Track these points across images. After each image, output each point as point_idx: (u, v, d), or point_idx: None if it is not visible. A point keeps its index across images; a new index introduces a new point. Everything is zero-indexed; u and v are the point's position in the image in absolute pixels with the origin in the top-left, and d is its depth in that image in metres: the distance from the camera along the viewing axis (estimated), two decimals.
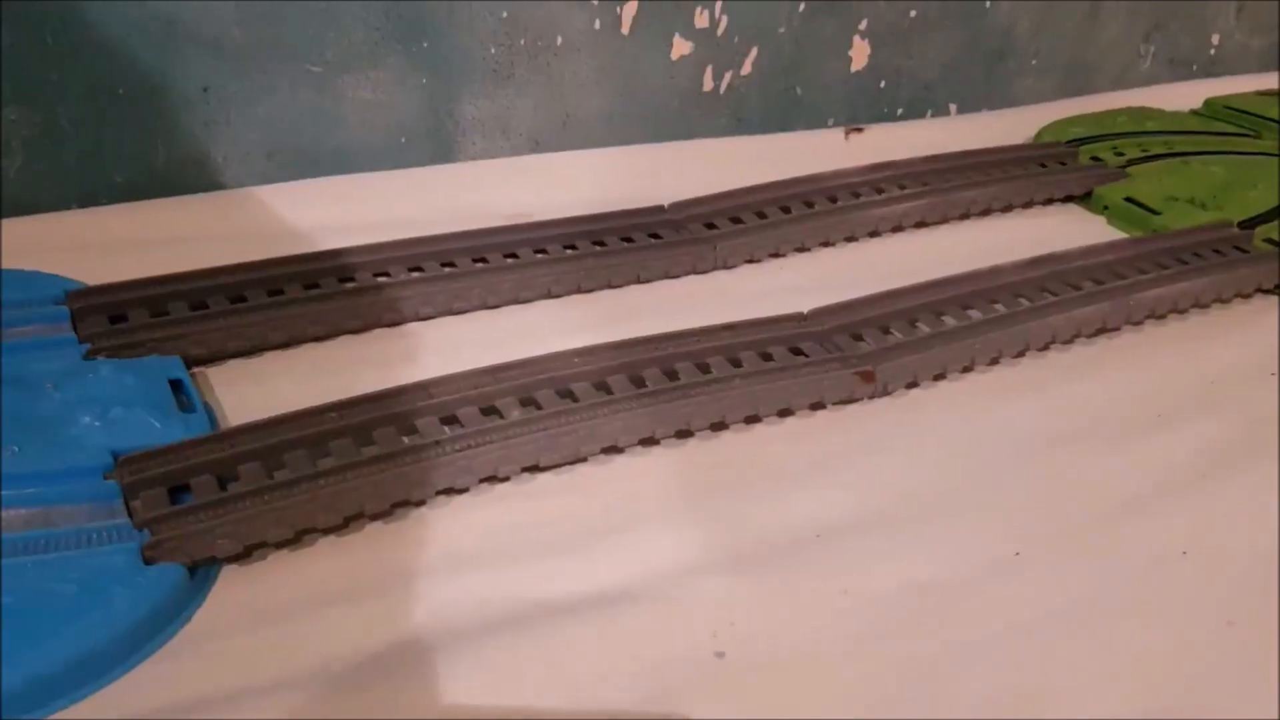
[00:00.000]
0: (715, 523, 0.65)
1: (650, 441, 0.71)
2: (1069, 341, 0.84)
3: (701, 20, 1.12)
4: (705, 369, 0.76)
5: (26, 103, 0.88)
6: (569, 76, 1.08)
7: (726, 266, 0.92)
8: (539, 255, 0.88)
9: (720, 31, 1.13)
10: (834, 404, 0.76)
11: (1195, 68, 1.45)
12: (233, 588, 0.59)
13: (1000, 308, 0.84)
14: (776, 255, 0.95)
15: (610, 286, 0.88)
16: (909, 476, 0.70)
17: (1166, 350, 0.85)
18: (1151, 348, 0.85)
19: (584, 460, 0.69)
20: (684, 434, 0.72)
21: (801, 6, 1.16)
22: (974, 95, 1.31)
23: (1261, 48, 1.49)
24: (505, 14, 1.02)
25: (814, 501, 0.67)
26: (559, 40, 1.06)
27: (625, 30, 1.09)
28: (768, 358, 0.77)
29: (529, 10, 1.03)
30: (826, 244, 0.97)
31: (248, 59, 0.94)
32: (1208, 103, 1.28)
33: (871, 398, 0.77)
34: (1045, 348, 0.83)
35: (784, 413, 0.75)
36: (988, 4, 1.26)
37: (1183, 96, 1.33)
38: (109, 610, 0.53)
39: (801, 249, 0.96)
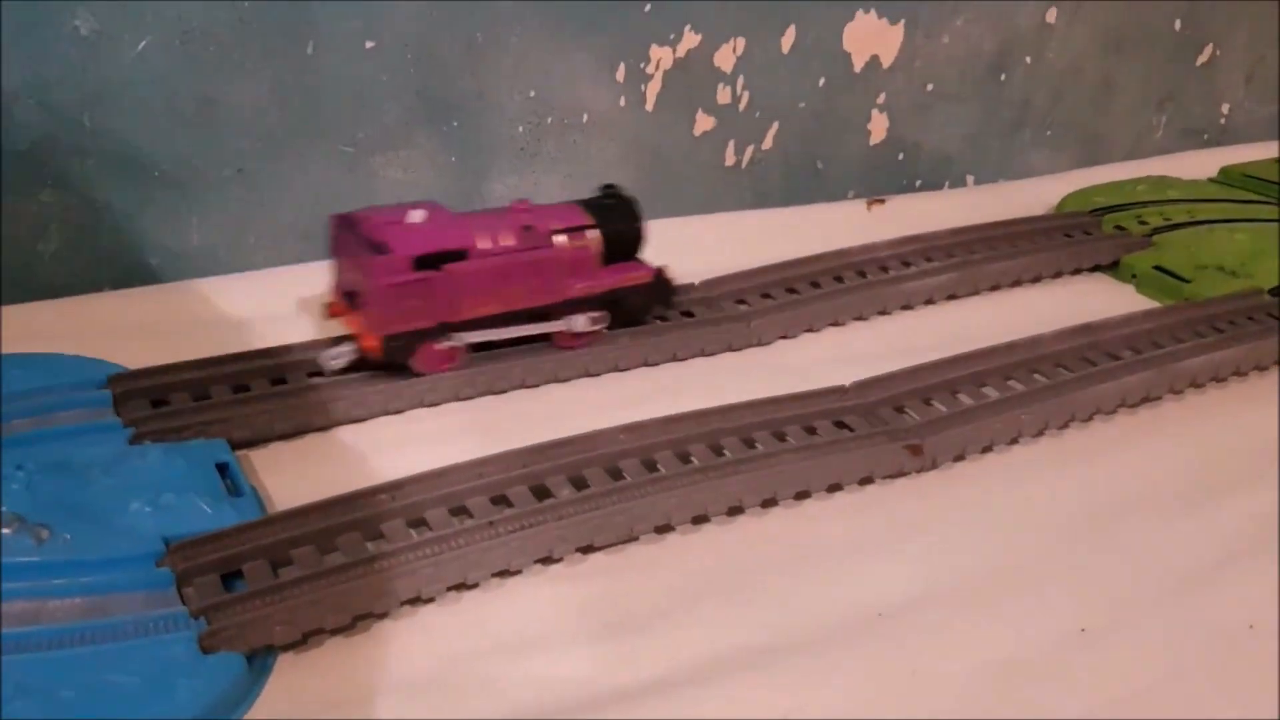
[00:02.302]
0: (774, 601, 0.64)
1: (701, 519, 0.70)
2: (1113, 411, 0.83)
3: (724, 96, 1.13)
4: (751, 444, 0.75)
5: (62, 186, 0.88)
6: (595, 153, 1.09)
7: (761, 343, 0.92)
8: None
9: (742, 107, 1.14)
10: (883, 478, 0.75)
11: (1206, 136, 1.47)
12: (290, 676, 0.57)
13: (1042, 378, 0.84)
14: (810, 331, 0.95)
15: (647, 365, 0.88)
16: (966, 552, 0.69)
17: (1210, 419, 0.84)
18: (1195, 416, 0.85)
19: (636, 539, 0.68)
20: (735, 511, 0.71)
21: (821, 81, 1.17)
22: (990, 166, 1.32)
23: (1271, 115, 1.51)
24: (533, 93, 1.03)
25: (873, 578, 0.66)
26: (585, 118, 1.07)
27: (649, 108, 1.10)
28: (812, 431, 0.77)
29: (557, 89, 1.04)
30: (860, 318, 0.97)
31: (282, 140, 0.94)
32: (1224, 170, 1.29)
33: (920, 471, 0.76)
34: (1090, 418, 0.83)
35: (833, 488, 0.74)
36: (1003, 77, 1.27)
37: (1196, 165, 1.34)
38: (172, 702, 0.52)
39: (835, 324, 0.96)
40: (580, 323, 0.84)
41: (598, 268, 0.84)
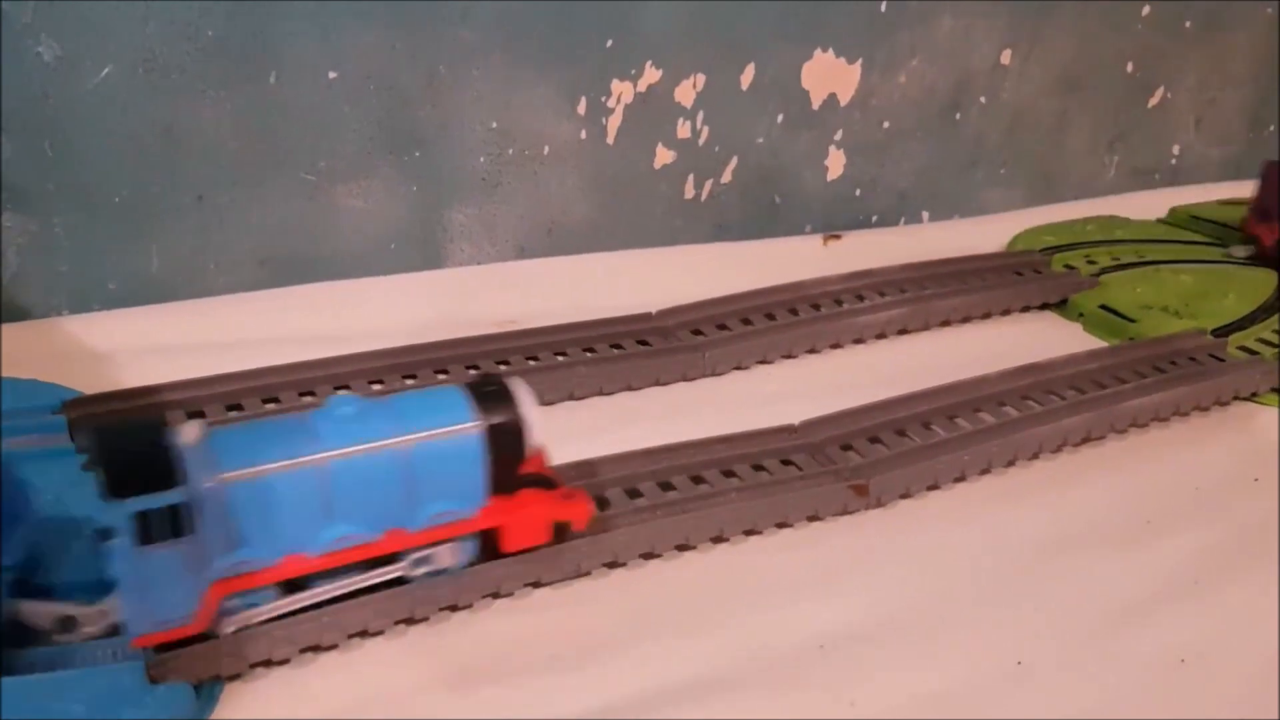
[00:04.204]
0: (718, 635, 0.65)
1: (650, 555, 0.71)
2: (1056, 450, 0.85)
3: (684, 131, 1.14)
4: (700, 481, 0.76)
5: (22, 210, 0.88)
6: (555, 185, 1.10)
7: (715, 374, 0.94)
8: (531, 362, 0.89)
9: (702, 141, 1.16)
10: (829, 516, 0.76)
11: (1158, 176, 1.50)
12: (236, 708, 0.58)
13: (987, 418, 0.86)
14: (764, 362, 0.96)
15: (602, 394, 0.89)
16: (909, 587, 0.70)
17: (1152, 458, 0.86)
18: (1137, 455, 0.87)
19: (587, 574, 0.69)
20: (684, 547, 0.72)
21: (780, 118, 1.19)
22: (945, 203, 1.34)
23: (1220, 157, 1.54)
24: (495, 124, 1.04)
25: (817, 614, 0.67)
26: (546, 150, 1.08)
27: (610, 140, 1.11)
28: (761, 469, 0.78)
29: (518, 121, 1.05)
30: (813, 351, 0.98)
31: (242, 167, 0.95)
32: (1173, 211, 1.32)
33: (866, 509, 0.77)
34: (1033, 457, 0.84)
35: (781, 525, 0.75)
36: (958, 116, 1.30)
37: (1146, 204, 1.37)
38: None
39: (788, 356, 0.97)
40: (1239, 252, 1.21)
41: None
